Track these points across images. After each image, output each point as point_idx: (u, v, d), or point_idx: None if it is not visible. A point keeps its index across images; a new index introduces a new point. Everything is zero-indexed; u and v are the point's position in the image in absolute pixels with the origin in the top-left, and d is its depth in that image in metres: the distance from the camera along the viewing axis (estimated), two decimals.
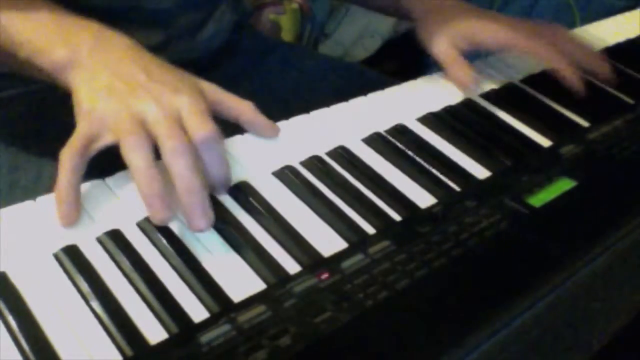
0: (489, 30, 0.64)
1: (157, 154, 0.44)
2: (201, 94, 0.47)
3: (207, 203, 0.43)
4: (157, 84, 0.45)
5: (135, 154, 0.43)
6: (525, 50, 0.64)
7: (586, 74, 0.64)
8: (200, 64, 0.70)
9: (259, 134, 0.52)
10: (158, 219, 0.43)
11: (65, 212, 0.43)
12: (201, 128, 0.44)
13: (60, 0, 0.53)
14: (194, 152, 0.43)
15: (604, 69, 0.64)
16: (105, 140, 0.44)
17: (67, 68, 0.47)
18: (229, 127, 0.54)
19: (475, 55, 0.69)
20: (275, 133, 0.52)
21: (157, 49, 0.64)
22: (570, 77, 0.62)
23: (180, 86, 0.46)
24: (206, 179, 0.45)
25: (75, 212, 0.43)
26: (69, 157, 0.43)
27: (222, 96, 0.50)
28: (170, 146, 0.43)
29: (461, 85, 0.63)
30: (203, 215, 0.43)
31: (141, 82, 0.45)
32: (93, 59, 0.46)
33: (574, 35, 0.67)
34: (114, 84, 0.45)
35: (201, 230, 0.43)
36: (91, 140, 0.44)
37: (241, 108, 0.51)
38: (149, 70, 0.46)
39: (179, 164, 0.42)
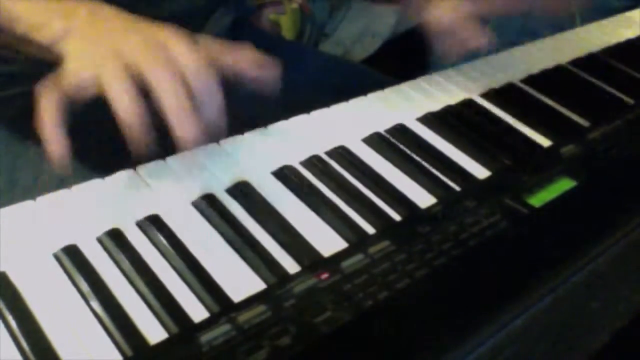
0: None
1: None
2: (195, 41, 0.46)
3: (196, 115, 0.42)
4: (147, 28, 0.45)
5: (114, 81, 0.42)
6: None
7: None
8: None
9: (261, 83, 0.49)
10: (137, 146, 0.42)
11: (55, 150, 0.42)
12: (191, 56, 0.43)
13: None
14: (179, 67, 0.42)
15: None
16: (86, 75, 0.43)
17: (62, 39, 0.47)
18: (227, 127, 0.54)
19: (475, 55, 0.69)
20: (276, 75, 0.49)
21: None
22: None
23: (174, 30, 0.45)
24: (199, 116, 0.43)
25: (64, 147, 0.42)
26: (49, 91, 0.42)
27: (221, 45, 0.48)
28: (152, 63, 0.42)
29: (472, 45, 0.62)
30: (193, 122, 0.41)
31: (130, 34, 0.45)
32: (88, 28, 0.47)
33: None
34: (101, 43, 0.45)
35: (190, 139, 0.42)
36: (72, 75, 0.43)
37: (242, 57, 0.48)
38: (142, 28, 0.46)
39: (163, 76, 0.42)
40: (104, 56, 0.43)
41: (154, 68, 0.42)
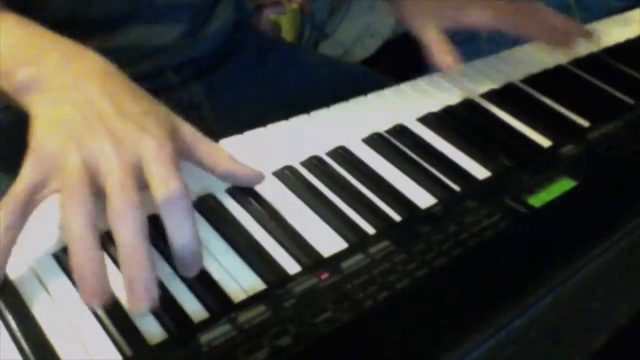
0: (474, 13, 0.65)
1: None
2: (173, 134, 0.41)
3: (151, 278, 0.37)
4: (122, 119, 0.39)
5: (73, 215, 0.37)
6: (510, 29, 0.66)
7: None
8: (202, 64, 0.70)
9: (242, 184, 0.47)
10: (88, 299, 0.37)
11: None
12: (164, 183, 0.38)
13: (62, 7, 0.53)
14: (144, 215, 0.37)
15: (584, 33, 0.68)
16: (50, 189, 0.39)
17: (29, 90, 0.41)
18: (227, 127, 0.54)
19: (474, 54, 0.69)
20: (261, 179, 0.47)
21: (159, 48, 0.64)
22: (556, 45, 0.66)
23: (149, 124, 0.40)
24: (170, 246, 0.39)
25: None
26: (8, 211, 0.38)
27: (199, 141, 0.44)
28: (115, 205, 0.37)
29: (447, 69, 0.63)
30: (145, 294, 0.36)
31: (104, 115, 0.39)
32: (58, 81, 0.41)
33: (550, 9, 0.68)
34: (71, 116, 0.39)
35: (141, 311, 0.37)
36: (35, 189, 0.39)
37: (218, 156, 0.44)
38: (118, 100, 0.41)
39: (122, 228, 0.37)
40: (68, 163, 0.38)
41: (116, 207, 0.37)
